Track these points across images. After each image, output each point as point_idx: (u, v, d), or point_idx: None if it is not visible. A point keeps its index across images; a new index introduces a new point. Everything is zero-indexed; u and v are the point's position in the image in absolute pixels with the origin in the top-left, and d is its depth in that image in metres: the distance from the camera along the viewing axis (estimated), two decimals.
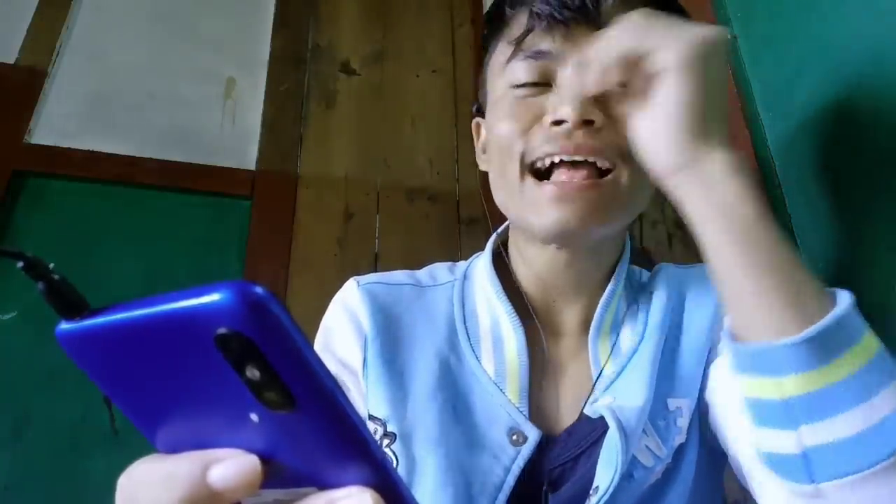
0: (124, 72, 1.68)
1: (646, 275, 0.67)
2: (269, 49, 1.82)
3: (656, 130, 0.45)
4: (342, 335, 0.63)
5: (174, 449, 0.24)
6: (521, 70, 0.55)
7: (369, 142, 1.76)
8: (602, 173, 0.53)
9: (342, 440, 0.22)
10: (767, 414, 0.41)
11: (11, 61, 1.59)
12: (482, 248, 0.69)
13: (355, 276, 0.68)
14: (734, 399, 0.53)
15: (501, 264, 0.65)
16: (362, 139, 1.76)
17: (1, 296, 1.37)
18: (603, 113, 0.52)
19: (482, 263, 0.66)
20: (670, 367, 0.58)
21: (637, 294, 0.63)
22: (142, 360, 0.22)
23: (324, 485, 0.23)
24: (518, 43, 0.55)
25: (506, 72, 0.57)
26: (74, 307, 0.22)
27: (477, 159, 0.67)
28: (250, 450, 0.23)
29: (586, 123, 0.51)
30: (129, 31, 1.74)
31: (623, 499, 0.52)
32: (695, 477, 0.57)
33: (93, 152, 1.55)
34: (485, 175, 0.63)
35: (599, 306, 0.60)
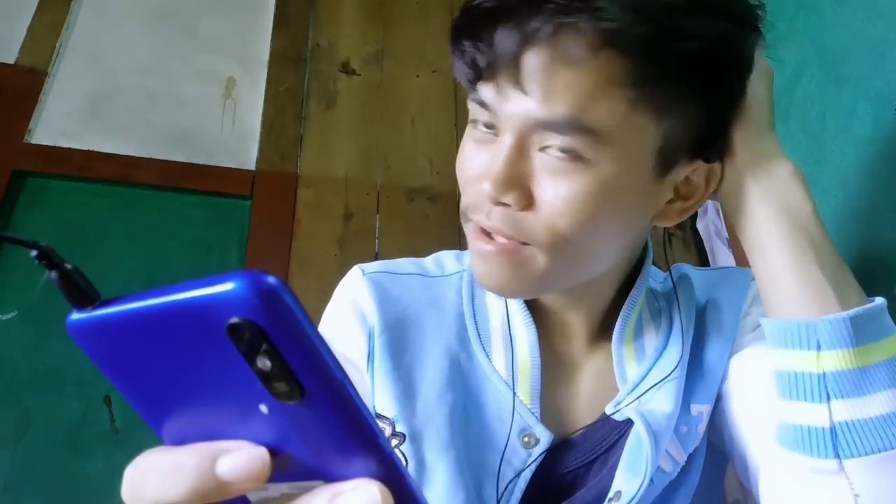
0: (124, 72, 1.68)
1: (660, 274, 0.66)
2: (269, 49, 1.82)
3: (741, 128, 0.50)
4: (345, 328, 0.61)
5: (181, 441, 0.24)
6: (474, 111, 0.51)
7: (369, 142, 1.76)
8: (519, 243, 0.50)
9: (350, 432, 0.22)
10: (801, 386, 0.43)
11: (11, 61, 1.59)
12: None
13: (359, 265, 0.65)
14: (754, 384, 0.54)
15: None
16: (362, 139, 1.76)
17: (1, 296, 1.37)
18: (527, 194, 0.48)
19: None
20: (695, 373, 0.57)
21: (657, 297, 0.63)
22: (152, 350, 0.22)
23: (331, 478, 0.23)
24: (466, 83, 0.50)
25: (468, 104, 0.52)
26: (87, 297, 0.22)
27: None
28: (258, 442, 0.23)
29: (503, 204, 0.48)
30: (129, 31, 1.74)
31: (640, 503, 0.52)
32: (700, 479, 0.58)
33: (93, 152, 1.55)
34: None
35: (622, 312, 0.58)
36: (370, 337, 0.59)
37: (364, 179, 1.71)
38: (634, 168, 0.47)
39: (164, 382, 0.23)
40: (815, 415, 0.42)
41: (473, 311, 0.61)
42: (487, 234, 0.50)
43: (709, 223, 1.43)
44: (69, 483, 1.26)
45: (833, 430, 0.41)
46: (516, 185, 0.47)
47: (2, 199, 1.44)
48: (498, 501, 0.53)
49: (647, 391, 0.55)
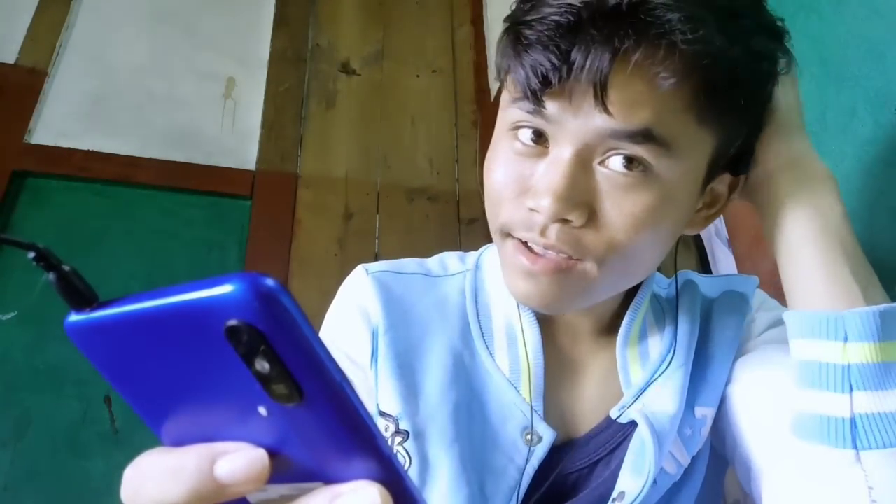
0: (124, 72, 1.68)
1: (664, 280, 0.66)
2: (269, 49, 1.82)
3: (772, 132, 0.51)
4: (349, 328, 0.61)
5: (180, 442, 0.24)
6: (521, 121, 0.48)
7: (369, 142, 1.76)
8: (571, 258, 0.48)
9: (349, 434, 0.22)
10: (824, 376, 0.43)
11: (11, 61, 1.60)
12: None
13: (363, 264, 0.65)
14: (758, 388, 0.54)
15: None
16: (362, 139, 1.76)
17: (1, 296, 1.37)
18: (589, 209, 0.46)
19: (497, 256, 0.61)
20: (699, 376, 0.57)
21: (661, 301, 0.63)
22: (151, 352, 0.22)
23: (330, 480, 0.23)
24: (519, 97, 0.47)
25: (509, 111, 0.49)
26: (85, 299, 0.22)
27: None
28: (257, 444, 0.23)
29: (563, 221, 0.46)
30: (129, 31, 1.74)
31: None
32: (702, 483, 0.58)
33: (93, 152, 1.55)
34: None
35: (627, 315, 0.58)
36: (374, 336, 0.59)
37: (364, 179, 1.71)
38: (691, 180, 0.47)
39: (163, 384, 0.23)
40: (837, 405, 0.42)
41: (477, 310, 0.61)
42: (530, 250, 0.48)
43: None
44: (69, 483, 1.26)
45: (853, 420, 0.41)
46: (580, 200, 0.45)
47: (2, 199, 1.44)
48: (501, 499, 0.53)
49: (651, 394, 0.55)
